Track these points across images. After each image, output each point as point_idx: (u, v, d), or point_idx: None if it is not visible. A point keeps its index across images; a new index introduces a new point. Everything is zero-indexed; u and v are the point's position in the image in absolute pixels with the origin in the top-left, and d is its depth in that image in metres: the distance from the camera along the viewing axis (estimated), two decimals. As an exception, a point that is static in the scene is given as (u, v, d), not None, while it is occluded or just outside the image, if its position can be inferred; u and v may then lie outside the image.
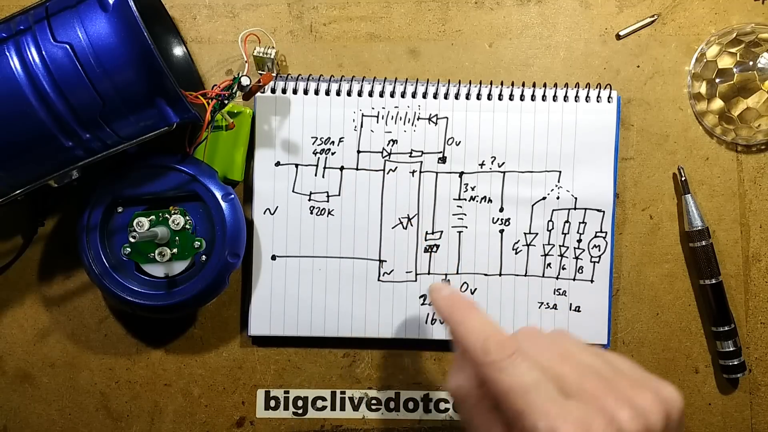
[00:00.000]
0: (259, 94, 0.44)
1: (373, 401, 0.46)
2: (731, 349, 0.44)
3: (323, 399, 0.46)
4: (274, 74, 0.44)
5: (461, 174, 0.45)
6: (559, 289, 0.45)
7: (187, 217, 0.42)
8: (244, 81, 0.40)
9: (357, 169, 0.45)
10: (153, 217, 0.42)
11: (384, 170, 0.45)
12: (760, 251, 0.46)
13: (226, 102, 0.41)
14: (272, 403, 0.46)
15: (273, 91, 0.45)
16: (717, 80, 0.45)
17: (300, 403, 0.46)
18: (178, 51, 0.45)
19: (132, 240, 0.40)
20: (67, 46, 0.35)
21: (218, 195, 0.42)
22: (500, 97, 0.45)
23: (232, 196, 0.42)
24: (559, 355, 0.34)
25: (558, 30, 0.46)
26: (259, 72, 0.45)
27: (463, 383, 0.36)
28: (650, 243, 0.46)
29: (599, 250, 0.45)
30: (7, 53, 0.36)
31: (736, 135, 0.45)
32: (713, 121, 0.46)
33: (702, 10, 0.46)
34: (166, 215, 0.42)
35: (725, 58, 0.44)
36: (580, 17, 0.46)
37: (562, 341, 0.35)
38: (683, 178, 0.45)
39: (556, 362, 0.33)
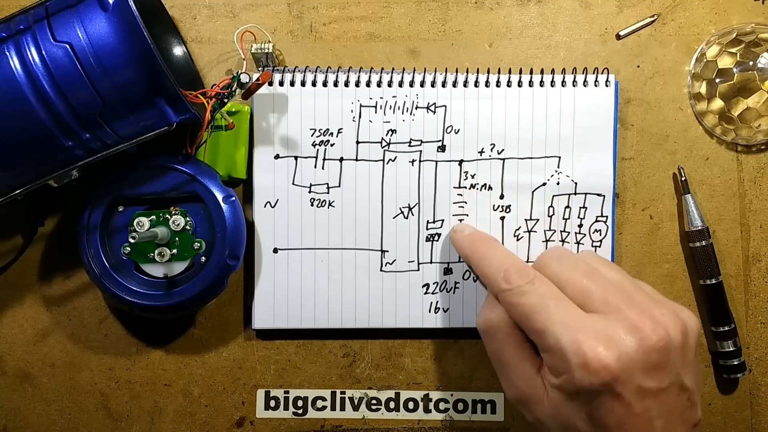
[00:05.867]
0: (256, 86, 0.44)
1: (373, 401, 0.46)
2: (731, 349, 0.44)
3: (323, 399, 0.46)
4: (271, 68, 0.45)
5: (461, 162, 0.45)
6: None
7: (188, 218, 0.42)
8: (244, 78, 0.40)
9: (356, 159, 0.45)
10: (153, 217, 0.42)
11: (383, 160, 0.45)
12: (760, 251, 0.46)
13: (225, 100, 0.41)
14: (272, 403, 0.46)
15: (270, 83, 0.45)
16: (717, 80, 0.45)
17: (300, 403, 0.46)
18: (178, 51, 0.45)
19: (132, 240, 0.39)
20: (67, 46, 0.35)
21: (219, 197, 0.42)
22: (498, 84, 0.45)
23: (233, 198, 0.42)
24: (584, 272, 0.34)
25: (558, 30, 0.46)
26: (259, 69, 0.45)
27: (493, 317, 0.37)
28: (650, 243, 0.46)
29: (600, 235, 0.45)
30: (7, 53, 0.35)
31: (736, 135, 0.45)
32: (713, 121, 0.46)
33: (702, 10, 0.46)
34: (167, 216, 0.42)
35: (725, 58, 0.44)
36: (580, 17, 0.46)
37: (587, 260, 0.36)
38: (683, 178, 0.45)
39: (581, 278, 0.34)
